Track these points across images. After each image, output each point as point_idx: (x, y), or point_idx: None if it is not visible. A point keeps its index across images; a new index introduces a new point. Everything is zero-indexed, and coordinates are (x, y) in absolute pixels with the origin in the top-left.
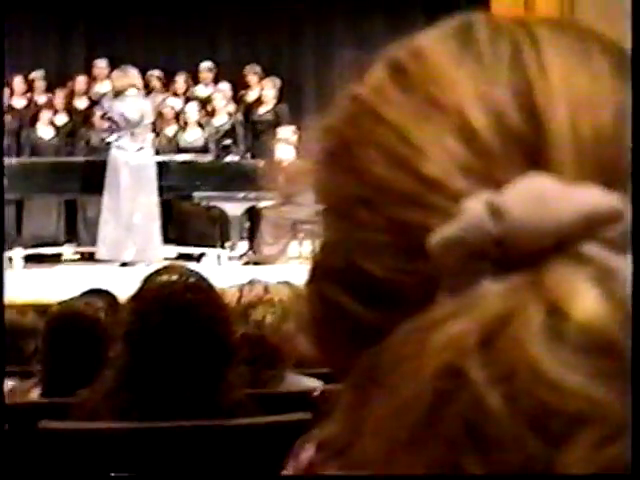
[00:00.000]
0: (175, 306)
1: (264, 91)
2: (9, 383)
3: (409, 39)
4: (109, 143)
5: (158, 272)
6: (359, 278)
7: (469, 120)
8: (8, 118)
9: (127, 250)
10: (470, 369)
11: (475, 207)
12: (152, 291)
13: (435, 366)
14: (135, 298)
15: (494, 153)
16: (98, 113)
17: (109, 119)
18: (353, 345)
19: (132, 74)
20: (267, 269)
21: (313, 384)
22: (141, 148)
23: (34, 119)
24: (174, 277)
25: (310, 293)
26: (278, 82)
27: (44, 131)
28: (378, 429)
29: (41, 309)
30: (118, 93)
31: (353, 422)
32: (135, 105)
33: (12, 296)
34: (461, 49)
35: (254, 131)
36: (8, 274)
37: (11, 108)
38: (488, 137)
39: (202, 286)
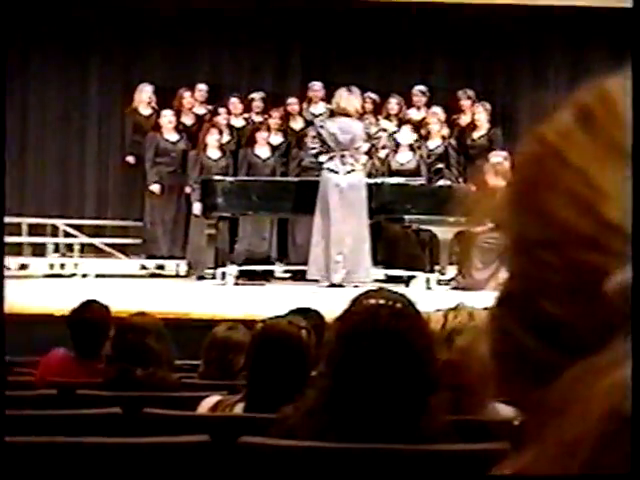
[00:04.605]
0: (380, 331)
1: (476, 115)
2: (216, 397)
3: (597, 82)
4: (321, 163)
5: (366, 295)
6: (538, 315)
7: None
8: (227, 138)
9: (337, 273)
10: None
11: None
12: (358, 314)
13: (600, 410)
14: (340, 320)
15: None
16: (310, 134)
17: (320, 140)
18: (528, 382)
19: (356, 96)
20: (476, 295)
21: (514, 413)
22: (351, 170)
23: (252, 139)
24: (381, 301)
25: (492, 327)
26: (488, 106)
27: (261, 151)
28: (551, 467)
29: (251, 325)
30: (334, 114)
31: (535, 457)
32: (347, 127)
33: (223, 311)
34: None
35: (467, 156)
36: (221, 289)
37: (230, 128)
38: None
39: (408, 313)
